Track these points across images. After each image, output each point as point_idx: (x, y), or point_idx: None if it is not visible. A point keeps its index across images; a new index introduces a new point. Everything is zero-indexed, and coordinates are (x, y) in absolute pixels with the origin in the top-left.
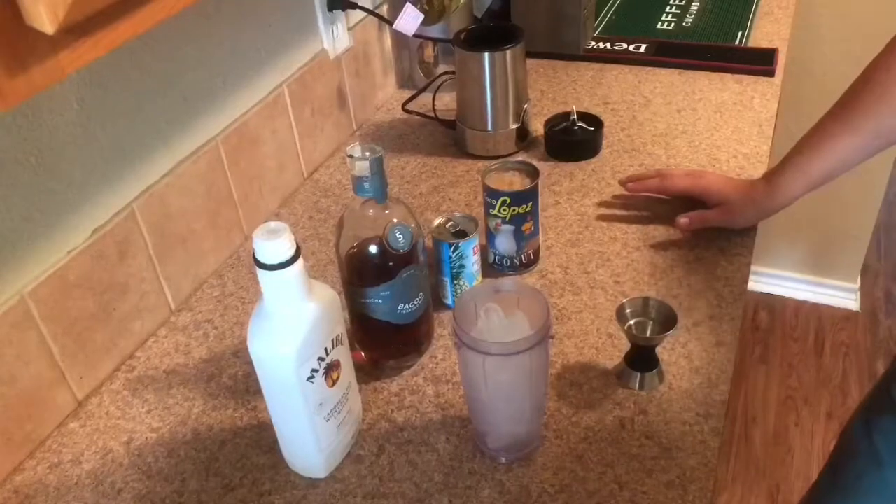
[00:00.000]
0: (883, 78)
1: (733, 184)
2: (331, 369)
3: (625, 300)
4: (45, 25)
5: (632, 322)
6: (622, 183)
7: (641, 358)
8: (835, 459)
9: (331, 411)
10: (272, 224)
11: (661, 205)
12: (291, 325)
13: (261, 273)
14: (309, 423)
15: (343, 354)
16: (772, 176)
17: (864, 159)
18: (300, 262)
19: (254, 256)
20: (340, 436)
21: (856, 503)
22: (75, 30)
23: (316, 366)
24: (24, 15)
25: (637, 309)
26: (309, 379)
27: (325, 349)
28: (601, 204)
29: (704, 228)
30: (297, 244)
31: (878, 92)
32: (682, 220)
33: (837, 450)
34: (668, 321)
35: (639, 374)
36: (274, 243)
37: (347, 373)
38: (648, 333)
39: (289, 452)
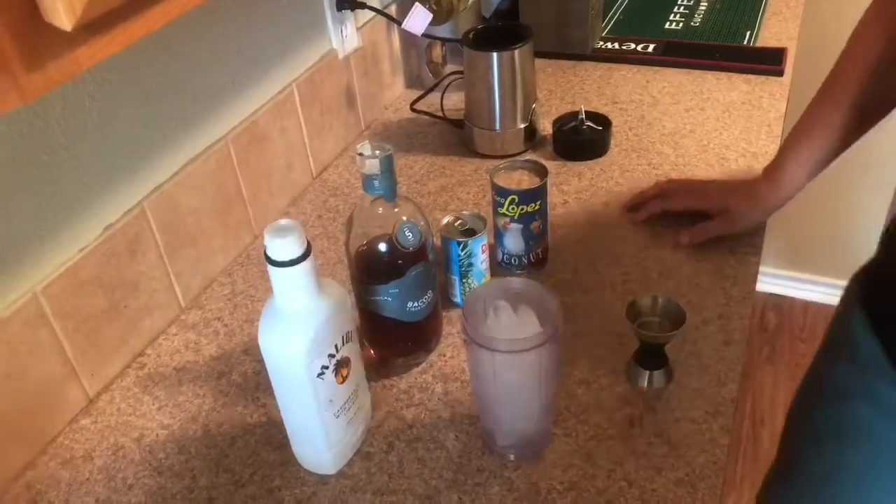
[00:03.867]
0: (861, 52)
1: (732, 189)
2: (340, 366)
3: (634, 298)
4: (62, 22)
5: (641, 320)
6: (628, 210)
7: (650, 356)
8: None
9: (340, 408)
10: (283, 222)
11: None
12: (302, 321)
13: (272, 270)
14: (319, 419)
15: (353, 351)
16: (771, 171)
17: (858, 136)
18: (311, 259)
19: (265, 253)
20: (350, 432)
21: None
22: (92, 26)
23: (326, 362)
24: (42, 12)
25: (646, 307)
26: (319, 375)
27: (335, 346)
28: (609, 203)
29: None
30: (307, 241)
31: (858, 65)
32: (683, 238)
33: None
34: (676, 319)
35: (648, 372)
36: (285, 240)
37: (357, 370)
38: (657, 332)
39: (299, 449)
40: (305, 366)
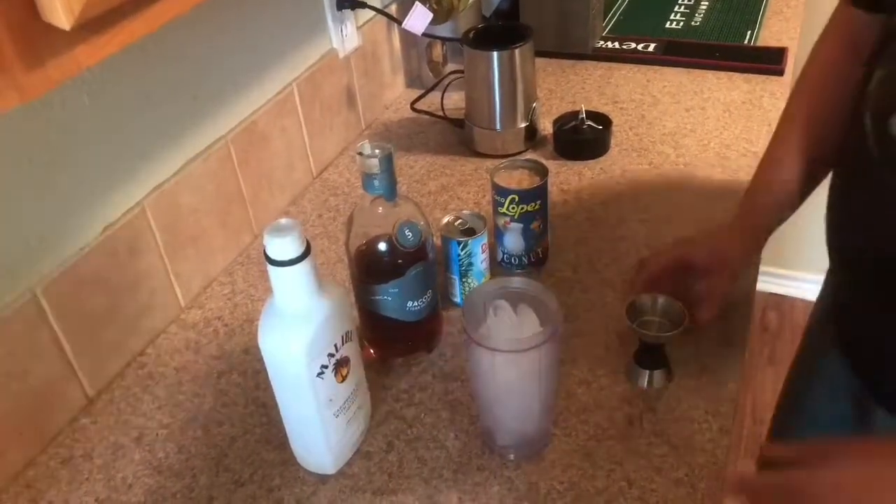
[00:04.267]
0: (804, 102)
1: (712, 230)
2: (340, 365)
3: (634, 298)
4: (61, 21)
5: (641, 320)
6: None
7: (650, 355)
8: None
9: (340, 407)
10: (283, 221)
11: (670, 204)
12: (302, 321)
13: (271, 269)
14: (319, 418)
15: (352, 351)
16: (745, 199)
17: (822, 175)
18: (310, 258)
19: (264, 253)
20: (350, 432)
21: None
22: (91, 26)
23: (326, 362)
24: (40, 11)
25: (646, 307)
26: (319, 375)
27: (335, 346)
28: (609, 203)
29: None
30: (307, 241)
31: (803, 112)
32: (703, 315)
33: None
34: (676, 319)
35: (648, 372)
36: (284, 240)
37: (357, 369)
38: (657, 331)
39: (299, 448)
40: (305, 365)
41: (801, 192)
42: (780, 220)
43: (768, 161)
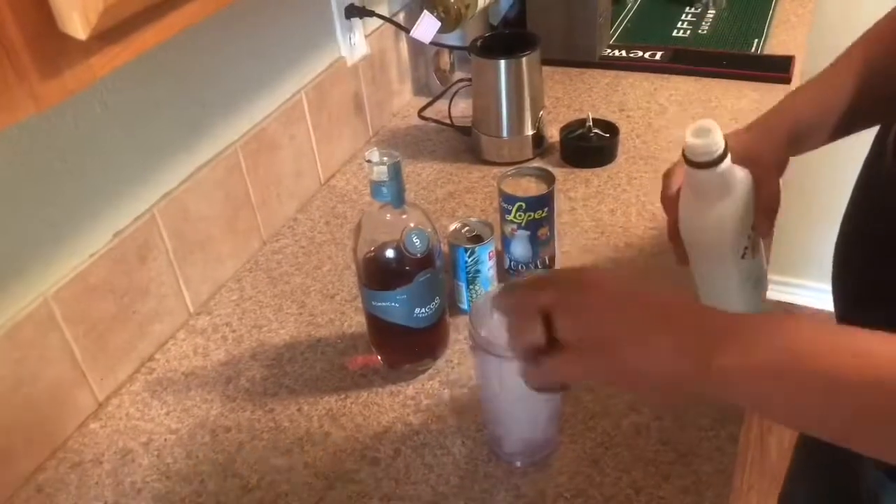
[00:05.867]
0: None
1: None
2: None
3: None
4: (78, 32)
5: None
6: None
7: None
8: None
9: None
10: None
11: None
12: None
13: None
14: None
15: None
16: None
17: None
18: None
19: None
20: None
21: None
22: (106, 35)
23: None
24: (57, 22)
25: None
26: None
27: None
28: (616, 210)
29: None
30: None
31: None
32: (766, 226)
33: None
34: None
35: None
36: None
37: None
38: None
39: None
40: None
41: (836, 123)
42: (807, 136)
43: (812, 80)
